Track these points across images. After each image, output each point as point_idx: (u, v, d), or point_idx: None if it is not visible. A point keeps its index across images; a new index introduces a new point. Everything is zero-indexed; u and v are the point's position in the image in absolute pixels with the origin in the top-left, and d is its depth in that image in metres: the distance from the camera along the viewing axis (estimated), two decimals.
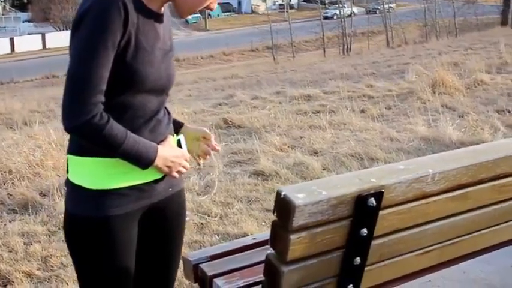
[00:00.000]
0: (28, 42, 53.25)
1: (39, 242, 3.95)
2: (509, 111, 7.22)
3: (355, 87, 10.26)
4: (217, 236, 3.91)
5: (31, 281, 3.48)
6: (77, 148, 1.92)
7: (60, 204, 4.32)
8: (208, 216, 4.21)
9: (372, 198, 1.71)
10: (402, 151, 5.46)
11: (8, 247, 3.83)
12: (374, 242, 1.80)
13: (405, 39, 39.10)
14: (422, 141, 5.86)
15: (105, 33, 1.77)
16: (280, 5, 63.67)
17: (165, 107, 2.07)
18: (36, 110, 14.52)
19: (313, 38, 45.16)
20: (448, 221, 1.97)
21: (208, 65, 44.05)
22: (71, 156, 1.93)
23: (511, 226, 2.14)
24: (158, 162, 1.92)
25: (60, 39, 54.39)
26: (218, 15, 72.40)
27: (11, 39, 53.24)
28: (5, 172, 4.96)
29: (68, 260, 3.57)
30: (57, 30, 56.91)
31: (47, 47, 53.28)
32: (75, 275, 2.02)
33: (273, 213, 1.67)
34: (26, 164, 4.95)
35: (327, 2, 58.25)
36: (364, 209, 1.71)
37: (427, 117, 6.80)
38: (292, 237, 1.64)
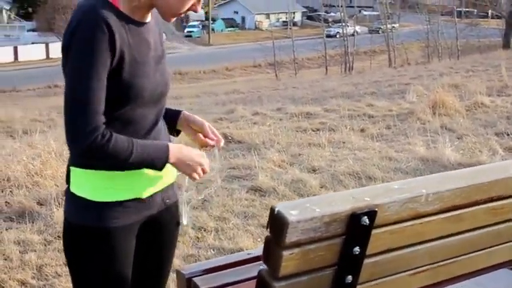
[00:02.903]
0: (32, 52, 53.37)
1: (35, 251, 3.95)
2: (508, 134, 7.23)
3: (356, 106, 10.30)
4: (213, 250, 3.91)
5: None
6: (79, 160, 1.93)
7: (57, 214, 4.32)
8: (204, 230, 4.22)
9: (365, 217, 1.71)
10: (400, 171, 5.47)
11: (4, 255, 3.83)
12: (366, 261, 1.80)
13: (407, 59, 39.23)
14: (421, 162, 5.88)
15: (93, 58, 1.78)
16: (283, 21, 63.92)
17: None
18: (37, 119, 14.57)
19: (315, 55, 45.34)
20: (441, 242, 1.97)
21: (211, 79, 44.15)
22: (73, 168, 1.95)
23: (505, 248, 2.14)
24: (174, 160, 1.94)
25: None
26: (222, 30, 72.73)
27: (15, 48, 53.37)
28: (3, 180, 4.97)
29: (63, 270, 3.57)
30: (60, 40, 56.95)
31: (50, 56, 53.36)
32: (69, 285, 2.03)
33: (267, 228, 1.68)
34: (25, 173, 4.96)
35: (330, 20, 58.55)
36: (357, 227, 1.72)
37: (426, 138, 6.82)
38: (285, 253, 1.65)
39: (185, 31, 69.95)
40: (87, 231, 1.93)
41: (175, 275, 2.23)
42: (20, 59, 52.35)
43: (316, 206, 1.67)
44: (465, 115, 8.48)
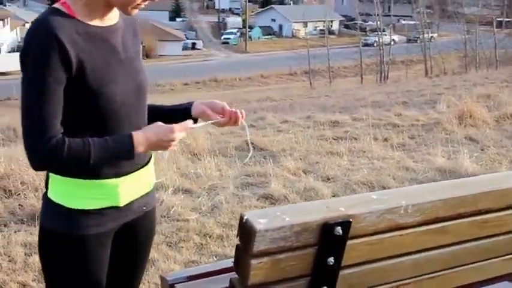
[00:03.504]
0: None
1: None
2: None
3: (384, 115, 10.19)
4: (215, 257, 3.89)
5: None
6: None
7: None
8: (210, 237, 4.21)
9: (339, 227, 1.68)
10: (416, 181, 5.38)
11: (9, 256, 3.86)
12: (342, 272, 1.77)
13: (444, 69, 38.79)
14: (438, 173, 5.77)
15: (43, 73, 1.78)
16: (320, 30, 63.73)
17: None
18: None
19: (351, 64, 45.16)
20: (425, 255, 1.93)
21: (246, 86, 44.28)
22: (52, 175, 1.95)
23: (493, 264, 2.08)
24: (142, 149, 1.90)
25: None
26: (259, 38, 72.89)
27: None
28: (18, 183, 5.03)
29: None
30: None
31: None
32: None
33: (237, 237, 1.66)
34: (39, 176, 5.00)
35: (367, 29, 58.25)
36: (330, 238, 1.68)
37: (449, 149, 6.71)
38: (253, 262, 1.63)
39: (222, 38, 70.36)
40: (61, 238, 1.93)
41: (160, 281, 2.22)
42: None
43: (286, 215, 1.65)
44: (492, 126, 8.31)
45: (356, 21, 56.38)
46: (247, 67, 49.83)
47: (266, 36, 73.81)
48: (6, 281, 3.49)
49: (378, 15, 41.83)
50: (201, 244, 4.08)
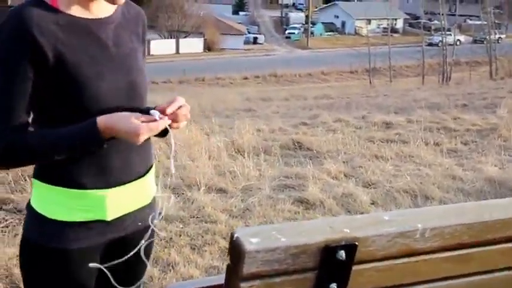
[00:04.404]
0: None
1: None
2: None
3: (440, 118, 9.87)
4: None
5: None
6: (42, 172, 1.82)
7: None
8: None
9: (342, 251, 1.50)
10: (462, 192, 5.10)
11: None
12: None
13: (510, 72, 37.54)
14: (487, 183, 5.46)
15: (10, 62, 1.68)
16: (384, 28, 62.78)
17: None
18: None
19: (414, 63, 44.28)
20: (444, 284, 1.73)
21: (305, 83, 44.04)
22: (35, 181, 1.82)
23: None
24: (108, 133, 1.73)
25: (164, 46, 55.99)
26: (321, 35, 72.49)
27: None
28: None
29: None
30: (162, 38, 58.57)
31: (151, 53, 54.88)
32: None
33: (227, 255, 1.50)
34: None
35: (432, 28, 57.10)
36: (331, 262, 1.51)
37: (502, 157, 6.37)
38: (243, 285, 1.47)
39: (286, 33, 70.36)
40: (43, 250, 1.80)
41: None
42: None
43: (283, 234, 1.47)
44: None
45: (422, 20, 55.33)
46: (308, 63, 49.62)
47: (328, 33, 73.40)
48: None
49: (442, 14, 40.77)
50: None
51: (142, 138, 1.73)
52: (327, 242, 1.49)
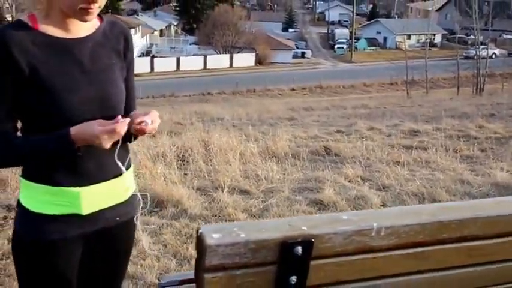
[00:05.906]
0: (192, 62, 55.65)
1: None
2: None
3: (465, 126, 9.68)
4: None
5: None
6: (26, 172, 1.88)
7: None
8: None
9: (299, 247, 1.51)
10: (468, 195, 4.99)
11: None
12: None
13: None
14: (494, 188, 5.32)
15: None
16: (423, 42, 61.87)
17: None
18: (179, 122, 14.99)
19: (451, 75, 43.52)
20: (404, 279, 1.71)
21: (348, 94, 43.73)
22: (21, 179, 1.89)
23: None
24: (80, 141, 1.78)
25: (219, 61, 56.47)
26: (364, 49, 71.90)
27: (178, 59, 55.93)
28: None
29: None
30: (217, 53, 59.07)
31: (207, 67, 55.38)
32: None
33: (195, 249, 1.54)
34: None
35: (469, 42, 56.03)
36: (289, 257, 1.52)
37: None
38: (207, 276, 1.49)
39: (336, 47, 70.53)
40: (28, 242, 1.87)
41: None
42: (181, 68, 54.70)
43: (243, 231, 1.50)
44: None
45: (459, 35, 54.48)
46: (351, 75, 49.31)
47: (371, 47, 72.76)
48: None
49: (476, 29, 40.00)
50: None
51: (105, 142, 1.77)
52: (285, 238, 1.50)
